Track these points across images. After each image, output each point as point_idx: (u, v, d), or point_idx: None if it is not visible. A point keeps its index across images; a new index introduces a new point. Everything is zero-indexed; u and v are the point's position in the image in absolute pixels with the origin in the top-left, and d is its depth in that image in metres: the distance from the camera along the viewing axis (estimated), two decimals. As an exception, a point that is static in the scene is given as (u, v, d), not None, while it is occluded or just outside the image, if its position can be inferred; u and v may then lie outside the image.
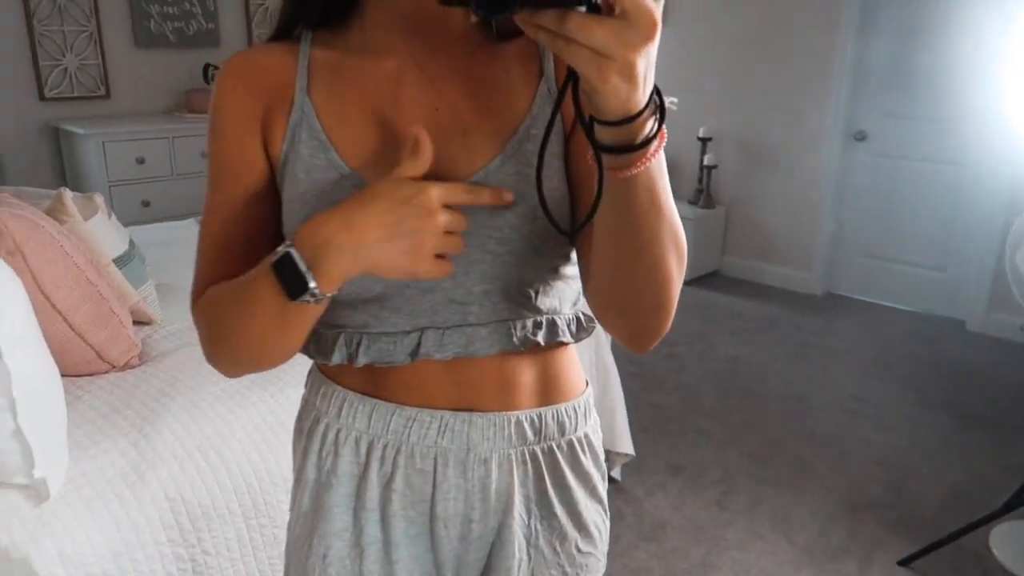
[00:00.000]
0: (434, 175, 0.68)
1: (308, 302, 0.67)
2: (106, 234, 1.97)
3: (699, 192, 4.62)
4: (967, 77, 3.79)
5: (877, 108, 4.10)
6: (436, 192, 0.65)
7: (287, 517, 0.98)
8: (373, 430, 0.78)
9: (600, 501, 0.87)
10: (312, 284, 0.65)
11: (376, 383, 0.78)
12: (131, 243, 2.11)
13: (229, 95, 0.76)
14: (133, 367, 1.73)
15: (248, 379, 1.69)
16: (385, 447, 0.78)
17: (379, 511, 0.79)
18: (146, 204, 3.90)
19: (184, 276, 2.34)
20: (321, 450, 0.81)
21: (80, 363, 1.65)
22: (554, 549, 0.83)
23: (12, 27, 3.80)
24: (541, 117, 0.73)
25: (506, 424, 0.78)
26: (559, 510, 0.82)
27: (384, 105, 0.74)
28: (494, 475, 0.78)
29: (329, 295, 0.67)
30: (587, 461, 0.84)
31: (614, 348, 2.44)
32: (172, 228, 2.97)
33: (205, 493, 1.46)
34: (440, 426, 0.77)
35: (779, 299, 4.34)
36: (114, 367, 1.70)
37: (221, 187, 0.77)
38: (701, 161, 4.56)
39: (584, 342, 2.21)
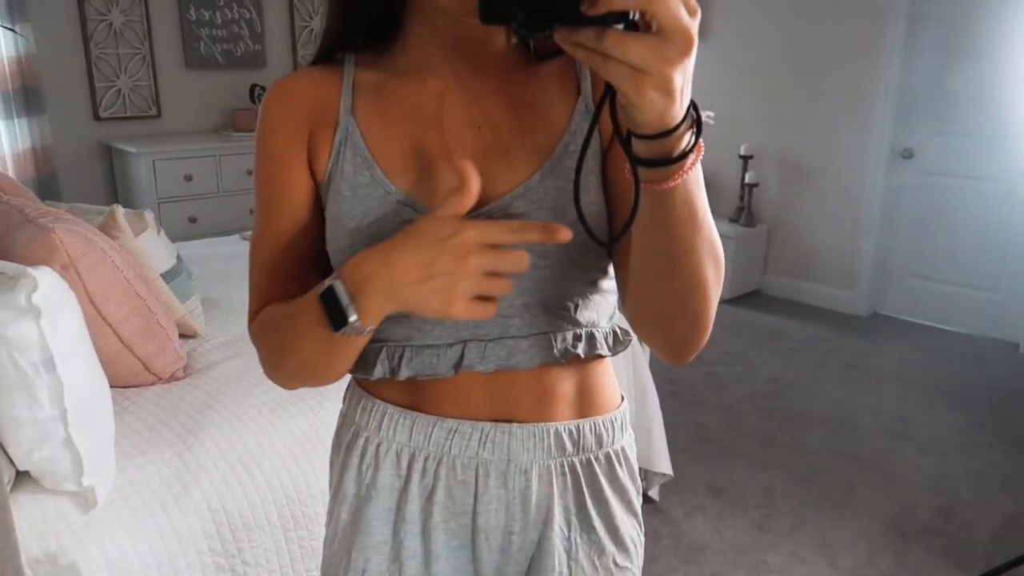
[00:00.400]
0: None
1: (349, 334, 0.68)
2: (155, 249, 2.02)
3: (740, 210, 4.57)
4: (1015, 93, 3.70)
5: (924, 126, 4.02)
6: (473, 233, 0.63)
7: (324, 530, 0.99)
8: (414, 443, 0.78)
9: (635, 515, 0.87)
10: (353, 318, 0.66)
11: (417, 396, 0.79)
12: (178, 258, 2.17)
13: (275, 119, 0.77)
14: (178, 379, 1.77)
15: (288, 393, 1.71)
16: (426, 459, 0.78)
17: (420, 524, 0.80)
18: (193, 220, 4.00)
19: (228, 291, 2.38)
20: (361, 464, 0.81)
21: (128, 375, 1.69)
22: (593, 563, 0.82)
23: (71, 51, 3.95)
24: (579, 134, 0.74)
25: (545, 435, 0.78)
26: (597, 523, 0.82)
27: (427, 124, 0.76)
28: (534, 486, 0.78)
29: (371, 328, 0.68)
30: (624, 475, 0.84)
31: (652, 365, 2.42)
32: (218, 243, 3.04)
33: (246, 504, 1.48)
34: (481, 437, 0.77)
35: (822, 319, 4.27)
36: (160, 379, 1.74)
37: (270, 211, 0.79)
38: (742, 179, 4.52)
39: (621, 358, 2.20)
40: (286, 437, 1.59)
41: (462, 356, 0.75)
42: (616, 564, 0.84)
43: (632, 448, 0.88)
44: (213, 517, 1.44)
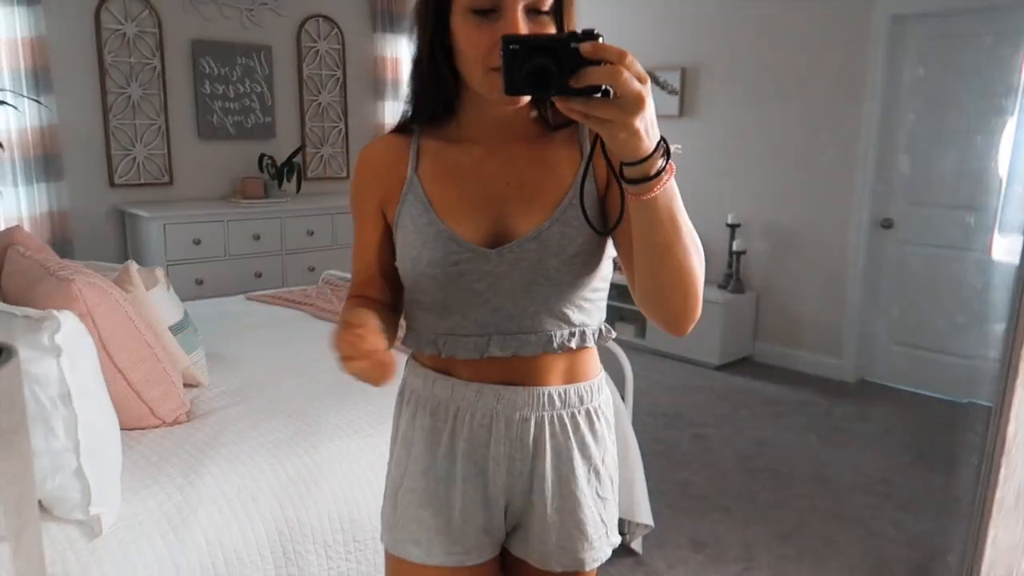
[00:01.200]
0: (503, 232, 1.03)
1: None
2: (165, 304, 2.15)
3: (729, 277, 4.72)
4: (986, 167, 3.89)
5: (902, 196, 4.20)
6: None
7: (315, 570, 1.41)
8: (452, 398, 1.10)
9: (612, 456, 1.16)
10: None
11: (453, 367, 1.10)
12: (185, 314, 2.30)
13: (360, 178, 1.14)
14: (180, 423, 1.87)
15: (283, 435, 1.82)
16: (458, 410, 1.09)
17: (450, 454, 1.10)
18: (199, 282, 4.15)
19: (231, 345, 2.51)
20: (416, 413, 1.13)
21: (135, 418, 1.80)
22: (579, 491, 1.10)
23: (90, 121, 4.18)
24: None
25: (541, 395, 1.08)
26: (580, 460, 1.10)
27: (472, 179, 1.06)
28: (531, 429, 1.08)
29: None
30: (600, 426, 1.13)
31: (638, 426, 2.52)
32: (223, 303, 3.18)
33: (240, 539, 1.57)
34: (496, 395, 1.08)
35: (811, 385, 4.36)
36: (165, 423, 1.85)
37: (358, 235, 1.16)
38: (730, 247, 4.68)
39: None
40: (280, 476, 1.69)
41: (488, 345, 1.06)
42: (598, 495, 1.13)
43: (609, 405, 1.16)
44: (209, 551, 1.53)
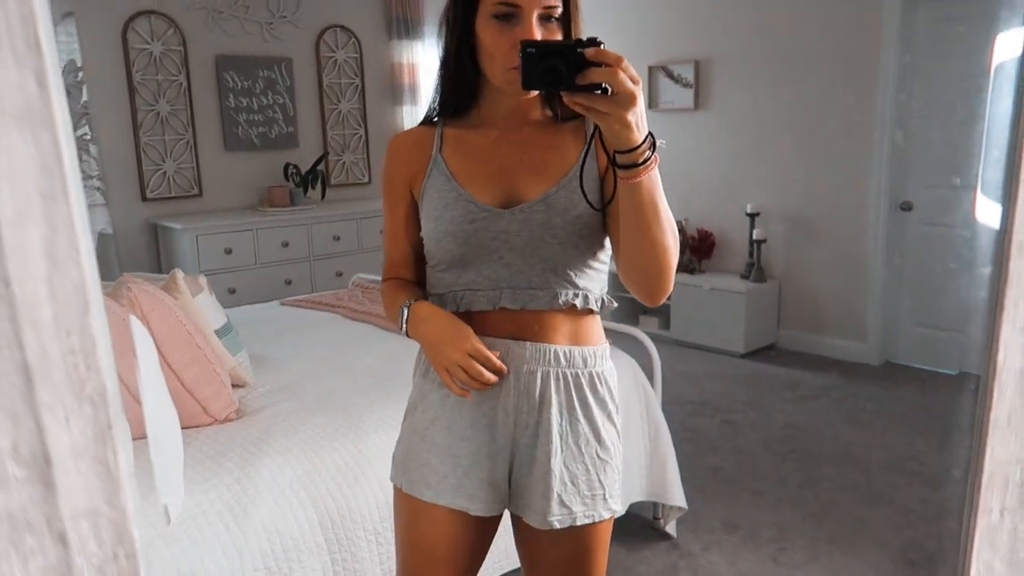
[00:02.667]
0: (515, 197, 1.17)
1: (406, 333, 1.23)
2: (209, 309, 2.25)
3: (750, 266, 4.75)
4: (999, 144, 3.91)
5: (920, 179, 4.22)
6: (471, 347, 1.14)
7: (366, 555, 1.55)
8: None
9: (615, 426, 1.26)
10: (404, 332, 1.22)
11: (468, 322, 1.19)
12: (228, 318, 2.39)
13: (391, 161, 1.28)
14: (232, 420, 1.97)
15: (330, 429, 1.91)
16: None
17: (460, 404, 1.21)
18: (232, 291, 4.26)
19: (272, 348, 2.60)
20: (430, 366, 1.24)
21: (189, 416, 1.90)
22: (580, 448, 1.21)
23: (122, 139, 4.31)
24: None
25: (547, 351, 1.19)
26: (582, 420, 1.21)
27: (488, 156, 1.22)
28: (538, 382, 1.19)
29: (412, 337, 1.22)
30: (603, 391, 1.23)
31: (668, 414, 2.58)
32: (258, 309, 3.28)
33: (295, 527, 1.66)
34: (506, 348, 1.19)
35: (836, 369, 4.39)
36: (216, 420, 1.94)
37: (390, 214, 1.29)
38: (751, 235, 4.72)
39: (635, 402, 2.38)
40: (330, 467, 1.78)
41: (500, 297, 1.18)
42: (599, 456, 1.22)
43: (613, 376, 1.27)
44: (268, 538, 1.62)
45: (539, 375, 1.18)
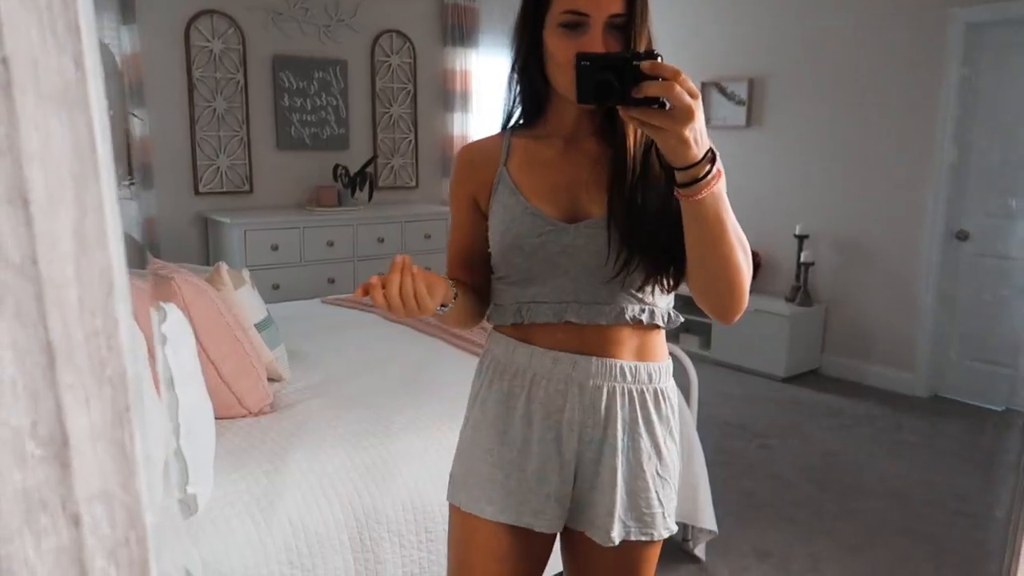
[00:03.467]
0: (581, 211, 1.16)
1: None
2: (250, 303, 2.29)
3: (796, 289, 4.66)
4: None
5: (978, 207, 4.09)
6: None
7: (388, 556, 1.50)
8: (531, 365, 1.20)
9: (676, 444, 1.24)
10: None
11: (533, 336, 1.21)
12: (268, 313, 2.43)
13: (458, 172, 1.29)
14: (266, 414, 1.99)
15: (360, 428, 1.91)
16: (535, 375, 1.20)
17: (528, 417, 1.20)
18: (276, 287, 4.33)
19: (310, 344, 2.64)
20: (493, 378, 1.24)
21: (224, 407, 1.92)
22: (641, 464, 1.20)
23: (179, 133, 4.42)
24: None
25: (613, 366, 1.18)
26: (645, 436, 1.19)
27: (554, 168, 1.21)
28: (604, 397, 1.18)
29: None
30: (666, 408, 1.22)
31: (701, 433, 2.54)
32: (301, 305, 3.33)
33: (321, 523, 1.67)
34: (571, 362, 1.18)
35: (881, 399, 4.27)
36: (251, 412, 1.96)
37: (455, 222, 1.30)
38: (798, 258, 4.63)
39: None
40: (358, 466, 1.78)
41: (565, 311, 1.17)
42: (658, 474, 1.21)
43: (675, 393, 1.25)
44: (293, 532, 1.63)
45: (605, 390, 1.17)
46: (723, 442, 3.55)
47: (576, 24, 1.09)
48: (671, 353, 2.48)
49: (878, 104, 4.32)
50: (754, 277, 4.70)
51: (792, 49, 4.66)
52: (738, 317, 1.11)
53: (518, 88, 1.22)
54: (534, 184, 1.20)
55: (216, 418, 1.91)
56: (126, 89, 4.10)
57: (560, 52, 1.11)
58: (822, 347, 4.73)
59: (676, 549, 2.60)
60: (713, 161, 0.96)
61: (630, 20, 1.10)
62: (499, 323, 1.26)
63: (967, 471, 3.32)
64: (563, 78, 1.12)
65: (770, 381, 4.54)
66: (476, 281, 1.28)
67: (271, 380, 2.22)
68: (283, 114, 4.75)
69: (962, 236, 4.15)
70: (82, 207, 0.44)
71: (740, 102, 4.90)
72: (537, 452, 1.19)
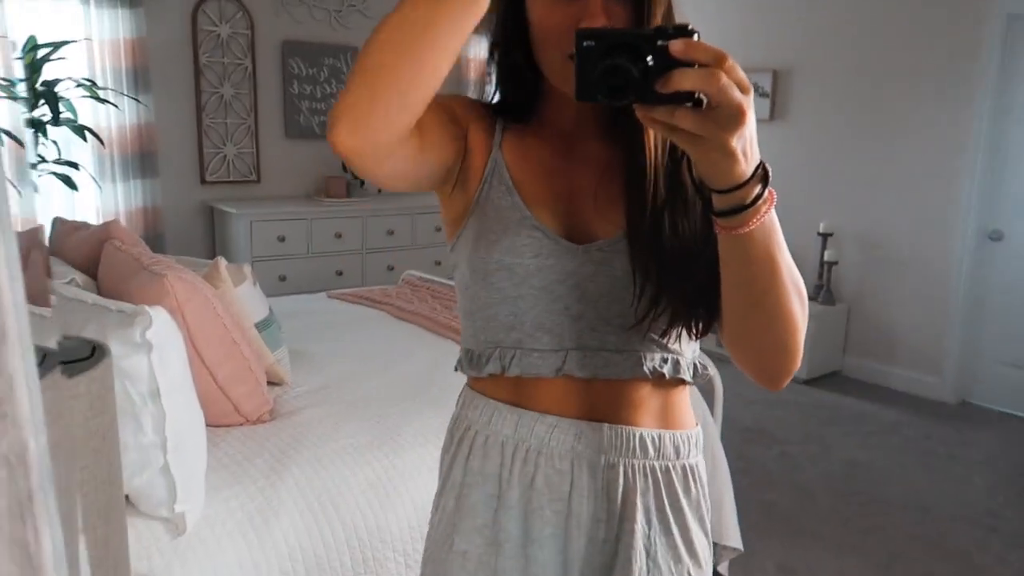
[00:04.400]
0: (588, 231, 0.88)
1: None
2: (251, 301, 2.16)
3: (819, 288, 4.51)
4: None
5: (1014, 207, 3.92)
6: None
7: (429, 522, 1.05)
8: (519, 435, 0.90)
9: (707, 533, 0.96)
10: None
11: (522, 395, 0.91)
12: (270, 311, 2.31)
13: (463, 105, 0.94)
14: (264, 422, 1.87)
15: (366, 439, 1.79)
16: (528, 450, 0.90)
17: (520, 508, 0.90)
18: (282, 279, 4.22)
19: (314, 343, 2.51)
20: (469, 454, 0.93)
21: (220, 414, 1.80)
22: (670, 568, 0.91)
23: (184, 120, 4.31)
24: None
25: (632, 436, 0.89)
26: (675, 529, 0.91)
27: (554, 172, 0.92)
28: (620, 480, 0.89)
29: None
30: (697, 491, 0.94)
31: (723, 437, 2.40)
32: (306, 300, 3.21)
33: (321, 544, 1.55)
34: (577, 432, 0.89)
35: (906, 405, 4.11)
36: (248, 420, 1.85)
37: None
38: (821, 256, 4.47)
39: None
40: (361, 482, 1.66)
41: (564, 361, 0.88)
42: (690, 575, 0.92)
43: (703, 469, 0.97)
44: (290, 554, 1.51)
45: (621, 470, 0.89)
46: (743, 449, 3.41)
47: None
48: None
49: (909, 98, 4.15)
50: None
51: (819, 40, 4.49)
52: (788, 380, 0.83)
53: (500, 72, 0.94)
54: (533, 186, 0.91)
55: (209, 426, 1.80)
56: (130, 73, 3.99)
57: (546, 25, 0.85)
58: (844, 348, 4.58)
59: (695, 564, 2.47)
60: (765, 180, 0.69)
61: None
62: (474, 375, 0.95)
63: (1001, 484, 3.17)
64: (552, 61, 0.86)
65: (792, 383, 4.39)
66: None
67: (271, 384, 2.10)
68: (292, 101, 4.63)
69: (996, 236, 3.98)
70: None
71: (764, 94, 4.73)
72: (534, 558, 0.90)
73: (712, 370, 2.39)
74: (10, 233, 0.32)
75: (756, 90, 4.73)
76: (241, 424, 1.83)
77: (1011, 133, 3.89)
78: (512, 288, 0.88)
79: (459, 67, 5.27)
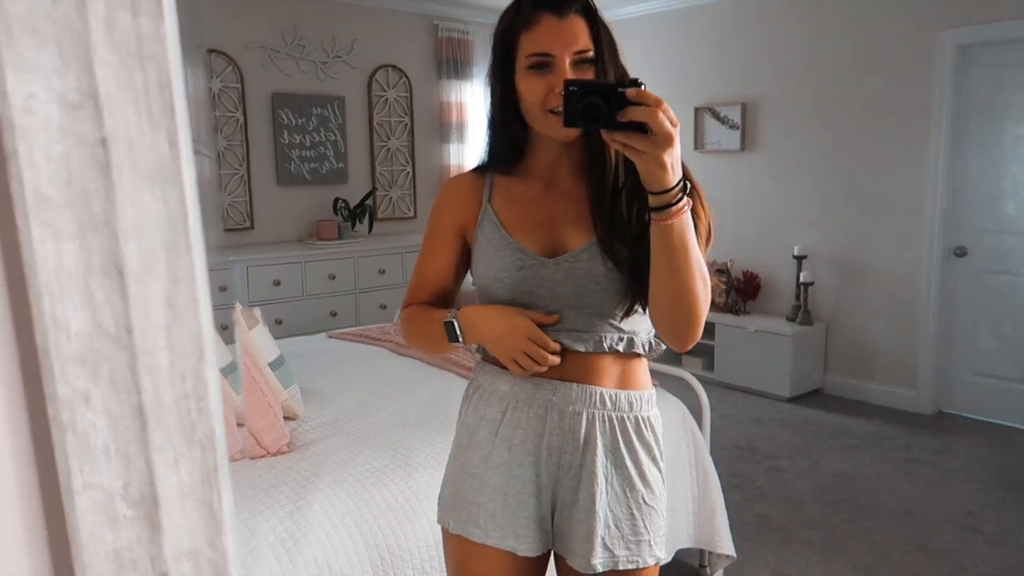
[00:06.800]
0: (560, 247, 1.20)
1: (456, 344, 1.25)
2: (264, 342, 2.29)
3: (797, 309, 4.68)
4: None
5: (975, 224, 4.14)
6: (528, 330, 1.17)
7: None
8: (512, 391, 1.23)
9: (661, 472, 1.26)
10: (460, 340, 1.24)
11: None
12: (280, 351, 2.43)
13: (445, 200, 1.32)
14: (284, 453, 1.99)
15: (379, 465, 1.92)
16: (518, 401, 1.23)
17: (508, 442, 1.23)
18: (279, 322, 4.33)
19: (322, 381, 2.63)
20: (479, 403, 1.27)
21: (242, 447, 1.92)
22: (624, 493, 1.21)
23: (179, 172, 4.44)
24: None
25: (593, 393, 1.21)
26: (628, 463, 1.22)
27: (534, 206, 1.25)
28: (583, 423, 1.21)
29: (469, 344, 1.24)
30: (649, 435, 1.25)
31: (714, 457, 2.54)
32: (306, 342, 3.33)
33: (347, 562, 1.66)
34: (552, 388, 1.22)
35: (886, 417, 4.28)
36: (268, 453, 1.97)
37: (428, 249, 1.33)
38: (797, 278, 4.66)
39: (684, 446, 2.35)
40: (380, 503, 1.78)
41: None
42: (644, 501, 1.22)
43: (658, 422, 1.28)
44: (319, 572, 1.62)
45: (584, 416, 1.20)
46: (733, 465, 3.55)
47: (543, 64, 1.14)
48: (680, 377, 2.51)
49: (872, 125, 4.39)
50: (754, 298, 4.73)
51: (784, 73, 4.74)
52: (691, 345, 1.15)
53: (497, 134, 1.26)
54: (516, 220, 1.24)
55: (235, 460, 1.92)
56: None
57: (530, 93, 1.16)
58: (824, 366, 4.75)
59: (693, 575, 2.59)
60: (684, 190, 1.02)
61: (598, 55, 1.15)
62: (486, 354, 1.29)
63: (979, 488, 3.32)
64: (536, 115, 1.17)
65: (775, 402, 4.55)
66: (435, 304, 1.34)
67: (287, 419, 2.22)
68: (282, 151, 4.79)
69: (960, 253, 4.19)
70: (174, 276, 0.46)
71: (734, 126, 4.96)
72: (517, 476, 1.21)
73: (699, 389, 2.54)
74: (203, 263, 0.46)
75: (726, 122, 4.97)
76: (263, 456, 1.95)
77: (968, 155, 4.12)
78: (505, 294, 1.22)
79: (440, 111, 5.47)
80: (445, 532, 1.30)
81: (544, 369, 1.17)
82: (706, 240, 1.18)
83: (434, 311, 1.28)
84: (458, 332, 1.22)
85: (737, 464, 3.58)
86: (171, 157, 0.44)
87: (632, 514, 1.21)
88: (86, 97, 0.41)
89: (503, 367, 1.24)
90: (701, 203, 1.17)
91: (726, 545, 2.41)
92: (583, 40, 1.14)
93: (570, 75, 1.13)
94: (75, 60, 0.40)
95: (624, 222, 1.17)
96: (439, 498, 1.31)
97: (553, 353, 1.18)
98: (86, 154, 0.42)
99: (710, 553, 2.47)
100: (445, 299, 1.33)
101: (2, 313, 0.43)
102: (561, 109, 1.08)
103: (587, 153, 1.23)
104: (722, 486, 2.52)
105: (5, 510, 0.44)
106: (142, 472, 0.46)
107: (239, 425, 1.98)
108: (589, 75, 1.15)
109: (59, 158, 0.41)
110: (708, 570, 2.52)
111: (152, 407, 0.46)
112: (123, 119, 0.42)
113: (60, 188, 0.41)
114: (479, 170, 1.32)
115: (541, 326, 1.19)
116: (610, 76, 1.15)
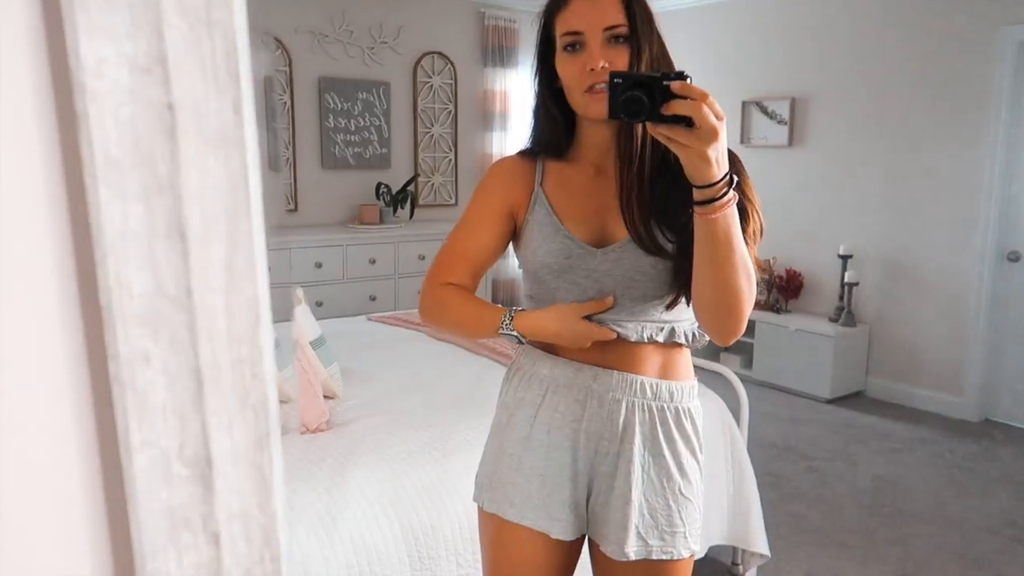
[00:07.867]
0: (608, 236, 1.19)
1: (513, 339, 1.23)
2: (307, 321, 2.33)
3: (840, 310, 4.59)
4: None
5: (1031, 228, 4.01)
6: (586, 339, 1.17)
7: (446, 573, 1.50)
8: (552, 375, 1.23)
9: (698, 461, 1.25)
10: (522, 342, 1.25)
11: (557, 348, 1.24)
12: (321, 331, 2.47)
13: (494, 179, 1.30)
14: (323, 431, 2.02)
15: (416, 445, 1.94)
16: (558, 385, 1.23)
17: (547, 425, 1.23)
18: (319, 304, 4.39)
19: (361, 362, 2.66)
20: (519, 385, 1.27)
21: (284, 422, 1.96)
22: (661, 483, 1.21)
23: (227, 153, 4.52)
24: None
25: (634, 381, 1.20)
26: (667, 454, 1.21)
27: (585, 192, 1.24)
28: (622, 411, 1.20)
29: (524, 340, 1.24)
30: (689, 427, 1.23)
31: (750, 452, 2.52)
32: (347, 323, 3.37)
33: (381, 540, 1.69)
34: (593, 374, 1.21)
35: (929, 423, 4.18)
36: (308, 429, 2.00)
37: (469, 222, 1.29)
38: (842, 278, 4.57)
39: (721, 442, 2.33)
40: (416, 484, 1.80)
41: None
42: (682, 492, 1.21)
43: (699, 413, 1.26)
44: (354, 549, 1.65)
45: (624, 404, 1.19)
46: (770, 464, 3.51)
47: (575, 44, 1.14)
48: (718, 373, 2.48)
49: (925, 123, 4.27)
50: (796, 297, 4.66)
51: (835, 68, 4.64)
52: (734, 339, 1.13)
53: (541, 119, 1.25)
54: (567, 207, 1.23)
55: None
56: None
57: (566, 75, 1.16)
58: (867, 369, 4.66)
59: (725, 572, 2.57)
60: (730, 184, 1.00)
61: (633, 30, 1.12)
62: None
63: (1021, 497, 3.23)
64: (575, 96, 1.16)
65: (815, 403, 4.48)
66: (473, 288, 1.29)
67: (326, 397, 2.25)
68: (328, 135, 4.84)
69: (1014, 257, 4.06)
70: (233, 241, 0.46)
71: (782, 121, 4.87)
72: (555, 458, 1.21)
73: (738, 386, 2.51)
74: (261, 228, 0.47)
75: (774, 117, 4.89)
76: (303, 432, 1.98)
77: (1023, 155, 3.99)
78: (553, 279, 1.21)
79: (485, 99, 5.47)
80: (480, 510, 1.30)
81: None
82: (754, 239, 1.14)
83: (482, 305, 1.25)
84: (520, 339, 1.22)
85: (774, 463, 3.53)
86: (235, 124, 0.44)
87: (668, 504, 1.20)
88: (155, 62, 0.41)
89: (546, 350, 1.24)
90: (751, 201, 1.14)
91: (760, 544, 2.38)
92: (612, 15, 1.12)
93: (598, 55, 1.12)
94: (146, 24, 0.41)
95: (670, 213, 1.15)
96: (476, 476, 1.32)
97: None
98: (153, 118, 0.42)
99: (743, 551, 2.45)
100: (478, 277, 1.30)
101: (67, 272, 0.43)
102: (597, 87, 1.10)
103: (633, 140, 1.19)
104: (758, 485, 2.49)
105: (65, 464, 0.45)
106: (197, 433, 0.47)
107: (281, 402, 2.02)
108: (623, 52, 1.13)
109: (127, 121, 0.41)
110: (741, 568, 2.50)
111: (209, 369, 0.47)
112: (190, 84, 0.42)
113: (127, 151, 0.42)
114: (527, 153, 1.30)
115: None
116: (646, 51, 1.13)
